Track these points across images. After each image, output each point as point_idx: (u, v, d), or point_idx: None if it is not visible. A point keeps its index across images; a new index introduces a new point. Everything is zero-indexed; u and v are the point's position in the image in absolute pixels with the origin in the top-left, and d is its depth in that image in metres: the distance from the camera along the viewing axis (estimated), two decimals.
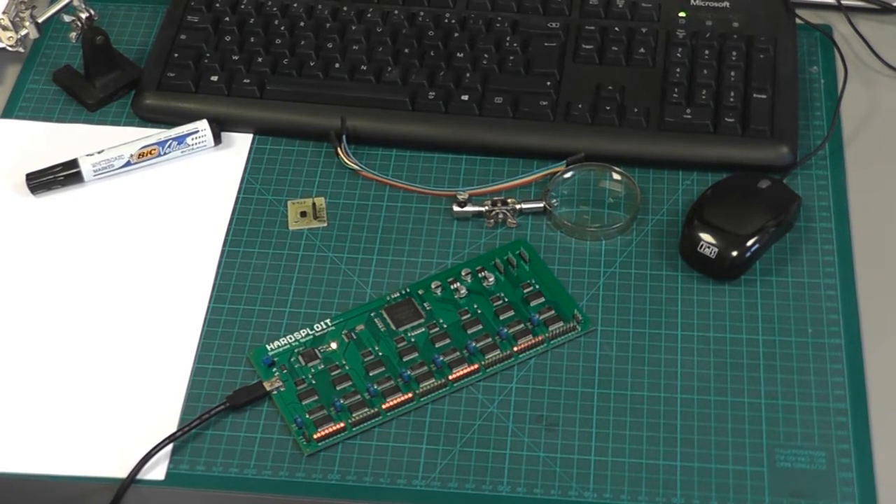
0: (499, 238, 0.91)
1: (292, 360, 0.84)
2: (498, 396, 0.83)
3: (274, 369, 0.84)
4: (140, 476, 0.79)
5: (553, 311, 0.85)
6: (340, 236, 0.92)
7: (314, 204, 0.94)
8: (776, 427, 0.81)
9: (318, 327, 0.86)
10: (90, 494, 0.80)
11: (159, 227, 0.94)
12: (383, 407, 0.81)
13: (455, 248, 0.91)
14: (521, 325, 0.85)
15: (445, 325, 0.85)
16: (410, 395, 0.82)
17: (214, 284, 0.90)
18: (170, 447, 0.81)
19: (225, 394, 0.83)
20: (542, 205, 0.92)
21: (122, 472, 0.80)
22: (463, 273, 0.88)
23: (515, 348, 0.84)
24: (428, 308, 0.86)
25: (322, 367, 0.84)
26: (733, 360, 0.84)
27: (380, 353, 0.84)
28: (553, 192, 0.93)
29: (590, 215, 0.92)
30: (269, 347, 0.85)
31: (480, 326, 0.85)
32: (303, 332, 0.86)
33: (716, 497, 0.78)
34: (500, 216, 0.92)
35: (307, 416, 0.81)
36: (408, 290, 0.88)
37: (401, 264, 0.90)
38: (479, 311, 0.86)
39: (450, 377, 0.83)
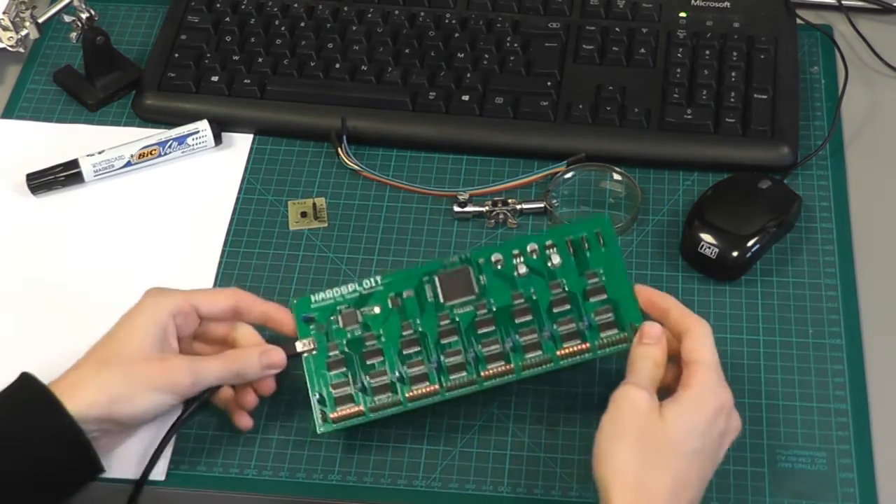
0: (499, 238, 0.91)
1: (332, 318, 0.81)
2: (498, 397, 0.83)
3: (311, 326, 0.81)
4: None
5: (611, 315, 0.79)
6: (341, 237, 0.92)
7: (315, 204, 0.94)
8: (777, 427, 0.81)
9: (366, 284, 0.81)
10: (94, 492, 0.80)
11: (160, 227, 0.94)
12: (407, 395, 0.79)
13: (456, 248, 0.91)
14: (573, 326, 0.79)
15: (494, 308, 0.80)
16: (437, 387, 0.79)
17: (215, 285, 0.90)
18: (171, 445, 0.81)
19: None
20: (542, 205, 0.92)
21: (122, 472, 0.80)
22: (529, 248, 0.81)
23: (559, 352, 0.79)
24: (483, 282, 0.81)
25: (359, 333, 0.80)
26: (734, 360, 0.84)
27: (420, 329, 0.80)
28: (554, 192, 0.93)
29: (590, 216, 0.92)
30: (313, 299, 0.81)
31: (530, 317, 0.79)
32: (350, 287, 0.81)
33: (716, 497, 0.78)
34: (501, 216, 0.92)
35: (331, 390, 0.79)
36: (468, 256, 0.81)
37: (401, 265, 0.90)
38: (535, 297, 0.80)
39: (482, 373, 0.79)
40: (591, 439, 0.80)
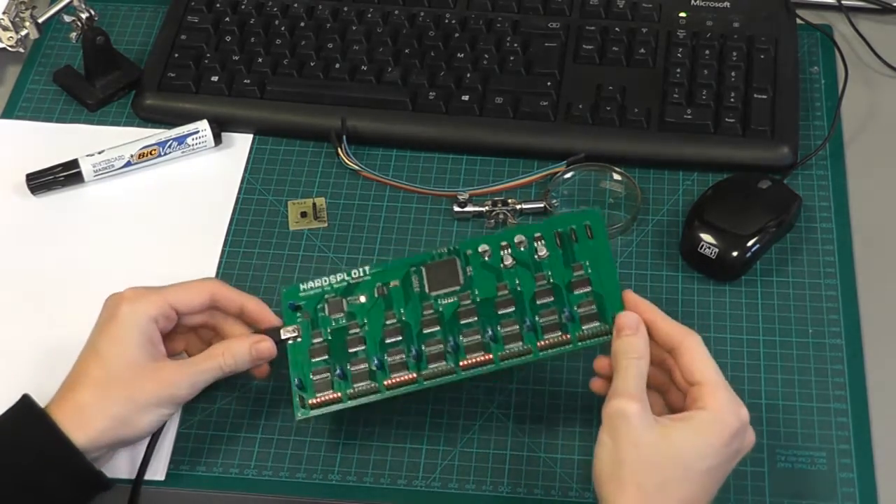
0: None
1: (318, 307, 0.81)
2: (498, 396, 0.83)
3: (298, 314, 0.81)
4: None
5: (594, 307, 0.78)
6: (341, 237, 0.92)
7: (314, 204, 0.94)
8: (776, 427, 0.81)
9: (354, 273, 0.82)
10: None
11: (160, 227, 0.94)
12: (385, 383, 0.79)
13: None
14: (555, 318, 0.78)
15: (479, 299, 0.80)
16: (414, 375, 0.79)
17: None
18: (171, 445, 0.81)
19: (224, 394, 0.83)
20: (542, 205, 0.92)
21: (121, 472, 0.80)
22: (517, 240, 0.81)
23: (539, 343, 0.78)
24: (469, 273, 0.81)
25: (343, 321, 0.81)
26: (733, 360, 0.84)
27: (403, 318, 0.80)
28: (553, 192, 0.93)
29: None
30: (302, 287, 0.82)
31: (512, 308, 0.79)
32: (338, 277, 0.82)
33: (717, 497, 0.78)
34: (501, 216, 0.92)
35: (311, 376, 0.80)
36: (456, 247, 0.82)
37: None
38: (519, 289, 0.79)
39: (461, 363, 0.78)
40: (591, 439, 0.79)
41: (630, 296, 0.77)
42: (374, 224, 0.93)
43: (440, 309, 0.80)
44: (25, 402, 0.76)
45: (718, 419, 0.70)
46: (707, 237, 0.87)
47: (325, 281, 0.82)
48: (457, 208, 0.92)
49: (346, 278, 0.82)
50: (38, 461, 0.74)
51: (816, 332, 0.85)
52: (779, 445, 0.80)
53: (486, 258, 0.81)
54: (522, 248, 0.81)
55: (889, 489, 0.78)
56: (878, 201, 0.93)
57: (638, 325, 0.74)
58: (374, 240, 0.92)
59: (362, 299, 0.81)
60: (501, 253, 0.81)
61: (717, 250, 0.87)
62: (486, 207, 0.92)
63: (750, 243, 0.87)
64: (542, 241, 0.81)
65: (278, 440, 0.82)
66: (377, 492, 0.79)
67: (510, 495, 0.79)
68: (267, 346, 0.79)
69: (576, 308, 0.79)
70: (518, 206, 0.92)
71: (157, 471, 0.80)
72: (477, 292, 0.80)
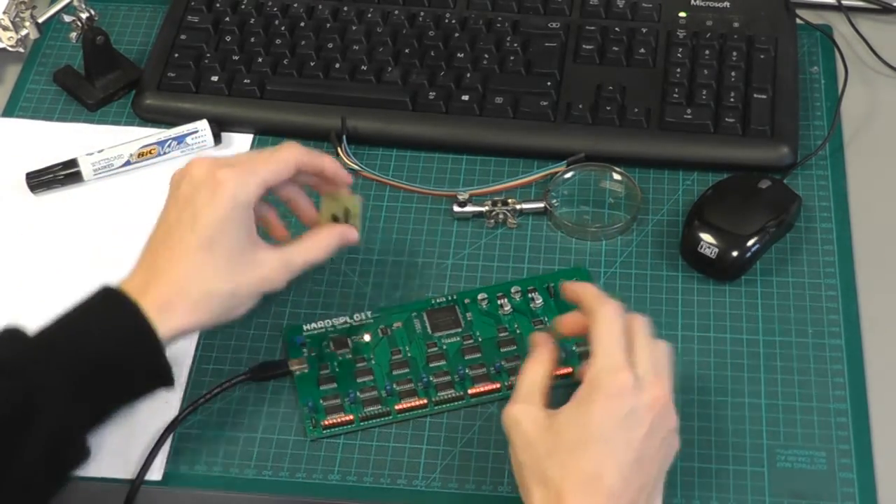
0: (499, 238, 0.91)
1: (324, 344, 0.84)
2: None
3: (304, 350, 0.84)
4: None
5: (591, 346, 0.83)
6: None
7: (347, 210, 0.92)
8: (776, 427, 0.81)
9: (357, 317, 0.86)
10: (91, 492, 0.80)
11: None
12: (396, 408, 0.81)
13: (455, 248, 0.91)
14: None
15: (480, 339, 0.84)
16: (425, 401, 0.82)
17: None
18: (169, 445, 0.81)
19: (225, 393, 0.83)
20: (542, 205, 0.92)
21: (117, 472, 0.80)
22: (512, 290, 0.86)
23: None
24: (469, 318, 0.85)
25: (350, 356, 0.84)
26: (733, 360, 0.84)
27: (409, 354, 0.84)
28: (553, 192, 0.93)
29: (590, 215, 0.92)
30: (304, 328, 0.85)
31: (514, 347, 0.84)
32: (341, 320, 0.86)
33: (716, 497, 0.78)
34: (501, 216, 0.92)
35: (321, 401, 0.81)
36: (454, 297, 0.87)
37: (401, 264, 0.90)
38: (518, 332, 0.85)
39: (469, 391, 0.82)
40: None
41: (567, 286, 0.77)
42: (374, 224, 0.93)
43: (444, 347, 0.84)
44: (110, 291, 0.72)
45: (594, 387, 0.70)
46: (707, 237, 0.87)
47: (329, 322, 0.86)
48: (457, 208, 0.92)
49: (349, 321, 0.86)
50: (124, 352, 0.70)
51: (816, 332, 0.85)
52: (779, 445, 0.80)
53: (484, 305, 0.86)
54: (518, 298, 0.86)
55: (889, 489, 0.78)
56: (878, 201, 0.93)
57: (536, 345, 0.75)
58: (374, 240, 0.92)
59: (367, 338, 0.85)
60: (499, 301, 0.86)
61: (717, 250, 0.87)
62: (486, 207, 0.92)
63: (750, 243, 0.87)
64: (536, 292, 0.86)
65: (278, 440, 0.82)
66: (377, 492, 0.79)
67: (510, 495, 0.79)
68: (354, 235, 0.80)
69: (574, 348, 0.82)
70: (518, 206, 0.92)
71: (156, 471, 0.80)
72: (479, 334, 0.85)
